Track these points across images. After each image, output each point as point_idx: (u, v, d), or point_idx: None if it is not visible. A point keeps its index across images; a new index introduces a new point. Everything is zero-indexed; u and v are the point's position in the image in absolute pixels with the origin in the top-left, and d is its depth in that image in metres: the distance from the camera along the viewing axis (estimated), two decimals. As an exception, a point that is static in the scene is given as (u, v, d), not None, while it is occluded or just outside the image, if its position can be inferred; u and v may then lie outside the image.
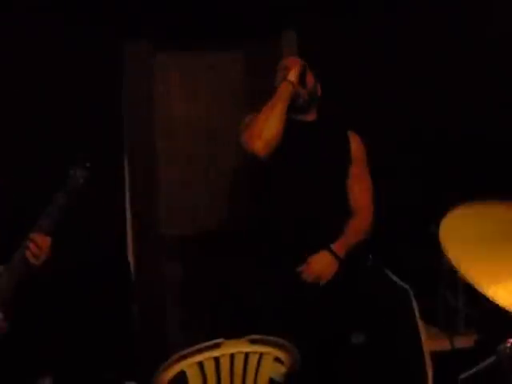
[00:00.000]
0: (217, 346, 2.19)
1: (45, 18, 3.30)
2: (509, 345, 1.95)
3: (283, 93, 2.74)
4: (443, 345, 2.92)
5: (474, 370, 2.28)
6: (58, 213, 2.41)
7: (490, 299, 1.63)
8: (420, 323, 2.75)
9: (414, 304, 2.76)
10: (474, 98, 3.47)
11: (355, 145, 2.91)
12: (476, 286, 1.62)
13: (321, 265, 2.71)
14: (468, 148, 3.46)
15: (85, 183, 2.49)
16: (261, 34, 3.65)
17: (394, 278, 2.83)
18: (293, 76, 2.76)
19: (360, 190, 2.87)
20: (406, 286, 2.78)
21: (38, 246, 2.34)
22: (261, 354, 2.25)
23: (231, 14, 3.57)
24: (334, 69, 3.46)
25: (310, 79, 2.83)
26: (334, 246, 2.73)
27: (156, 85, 3.80)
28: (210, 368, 2.19)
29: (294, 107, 2.78)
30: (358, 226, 2.83)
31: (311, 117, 2.91)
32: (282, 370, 2.31)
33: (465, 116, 3.49)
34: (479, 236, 1.84)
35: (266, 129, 2.68)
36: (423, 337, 2.74)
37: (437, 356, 2.75)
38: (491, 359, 2.27)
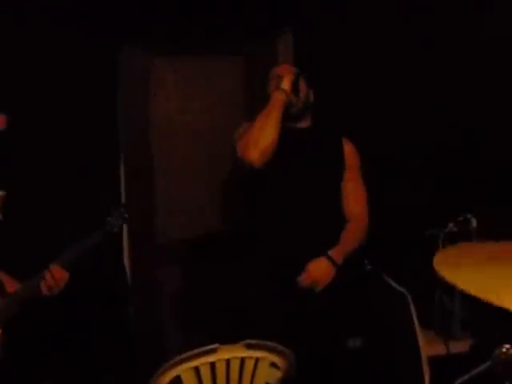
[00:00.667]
0: (213, 351, 2.19)
1: (41, 20, 3.30)
2: (504, 350, 1.96)
3: (277, 102, 2.74)
4: (439, 349, 2.93)
5: (469, 375, 2.28)
6: (83, 252, 2.41)
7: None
8: (418, 328, 2.76)
9: (412, 308, 2.77)
10: (473, 99, 3.47)
11: (349, 151, 2.93)
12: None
13: (319, 271, 2.72)
14: (465, 150, 3.47)
15: (117, 232, 2.51)
16: (258, 36, 3.65)
17: (392, 282, 2.84)
18: (286, 85, 2.77)
19: (355, 196, 2.88)
20: (404, 291, 2.79)
21: (55, 278, 2.32)
22: (257, 359, 2.25)
23: (228, 17, 3.57)
24: (330, 70, 3.47)
25: (302, 87, 2.84)
26: (331, 253, 2.74)
27: (153, 88, 3.80)
28: (205, 373, 2.19)
29: (287, 115, 2.79)
30: (354, 232, 2.84)
31: (305, 124, 2.92)
32: (278, 375, 2.32)
33: (463, 118, 3.49)
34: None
35: (261, 138, 2.68)
36: (421, 342, 2.74)
37: (432, 361, 2.75)
38: (486, 364, 2.28)
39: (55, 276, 2.32)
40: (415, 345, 2.73)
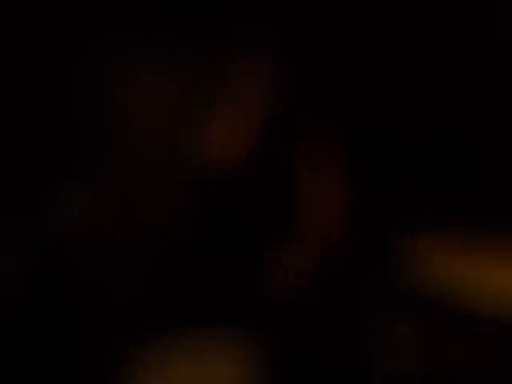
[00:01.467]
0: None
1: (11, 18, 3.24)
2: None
3: (247, 105, 2.71)
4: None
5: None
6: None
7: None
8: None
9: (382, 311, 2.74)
10: (448, 105, 3.47)
11: (317, 156, 2.88)
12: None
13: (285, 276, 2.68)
14: (440, 156, 3.46)
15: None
16: (235, 39, 3.65)
17: (360, 285, 2.81)
18: (256, 87, 2.73)
19: (325, 201, 2.85)
20: (372, 294, 2.76)
21: None
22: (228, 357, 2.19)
23: (204, 17, 3.56)
24: (308, 73, 3.47)
25: (274, 90, 2.81)
26: (297, 262, 2.71)
27: (117, 90, 3.77)
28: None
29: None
30: (325, 238, 2.82)
31: None
32: (246, 371, 2.26)
33: (437, 125, 3.50)
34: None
35: (228, 143, 2.67)
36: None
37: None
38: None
39: None
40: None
